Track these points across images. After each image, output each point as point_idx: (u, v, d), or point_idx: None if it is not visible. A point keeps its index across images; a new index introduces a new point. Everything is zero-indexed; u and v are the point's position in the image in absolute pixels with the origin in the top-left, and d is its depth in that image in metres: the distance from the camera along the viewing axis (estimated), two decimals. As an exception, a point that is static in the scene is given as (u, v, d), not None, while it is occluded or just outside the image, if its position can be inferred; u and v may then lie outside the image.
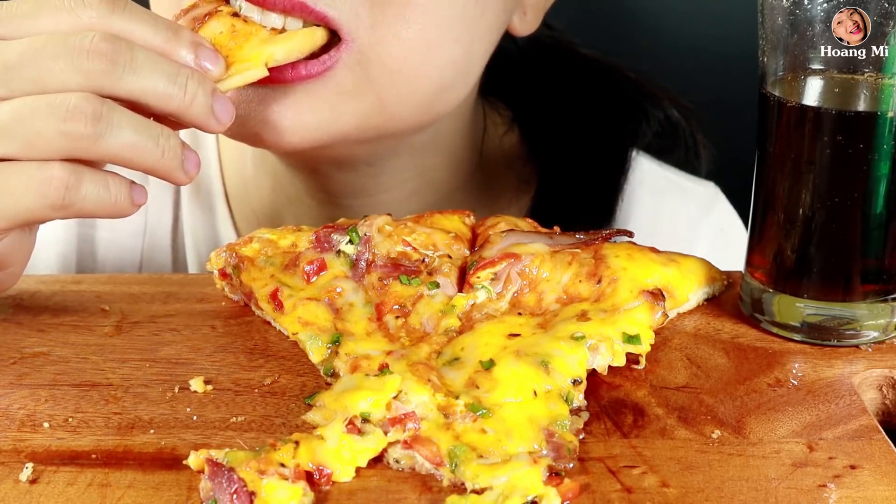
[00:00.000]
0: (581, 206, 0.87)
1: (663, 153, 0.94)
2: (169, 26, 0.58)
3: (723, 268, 0.66)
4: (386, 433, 0.49)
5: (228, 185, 0.89)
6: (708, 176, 0.97)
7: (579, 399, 0.53)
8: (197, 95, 0.57)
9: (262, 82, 0.62)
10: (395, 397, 0.51)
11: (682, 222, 0.93)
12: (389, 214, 0.65)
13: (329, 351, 0.57)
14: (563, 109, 0.91)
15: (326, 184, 0.81)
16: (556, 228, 0.66)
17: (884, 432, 0.51)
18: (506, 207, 0.88)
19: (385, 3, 0.65)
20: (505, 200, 0.89)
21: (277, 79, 0.64)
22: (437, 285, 0.60)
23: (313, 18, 0.64)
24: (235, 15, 0.62)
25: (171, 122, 0.58)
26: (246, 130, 0.67)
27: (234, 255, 0.64)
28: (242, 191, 0.88)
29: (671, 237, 0.89)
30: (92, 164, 0.55)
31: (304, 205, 0.84)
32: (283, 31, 0.63)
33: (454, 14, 0.67)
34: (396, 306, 0.59)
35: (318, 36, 0.64)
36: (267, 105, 0.66)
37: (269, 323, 0.62)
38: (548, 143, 0.90)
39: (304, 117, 0.67)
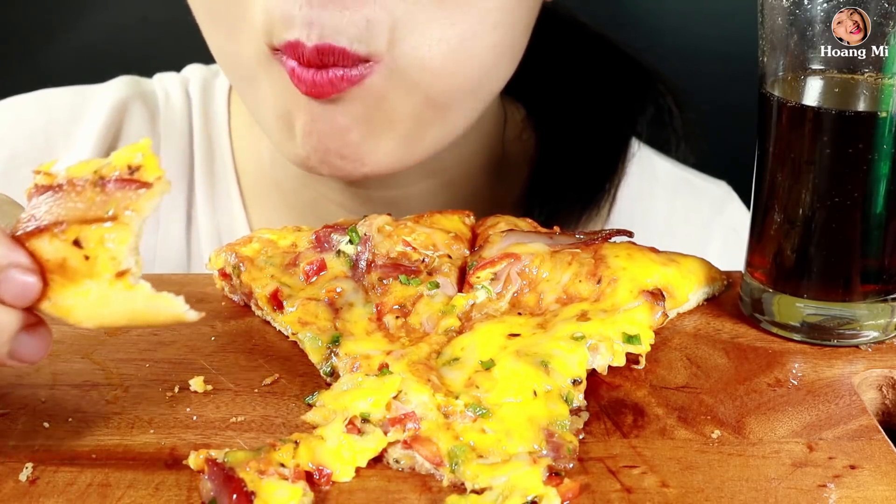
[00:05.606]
0: (577, 183, 0.88)
1: (653, 140, 0.94)
2: None
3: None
4: (386, 433, 0.49)
5: (242, 176, 0.89)
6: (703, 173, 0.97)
7: (579, 399, 0.53)
8: None
9: (308, 94, 0.65)
10: (395, 397, 0.51)
11: (695, 221, 0.93)
12: (390, 214, 0.65)
13: (329, 351, 0.57)
14: (567, 82, 0.91)
15: None
16: (556, 228, 0.66)
17: (884, 432, 0.51)
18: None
19: (407, 20, 0.65)
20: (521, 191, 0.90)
21: (321, 92, 0.65)
22: (437, 285, 0.60)
23: (350, 63, 0.65)
24: (77, 244, 0.46)
25: None
26: (329, 159, 0.69)
27: (234, 254, 0.64)
28: (262, 184, 0.88)
29: (685, 236, 0.90)
30: None
31: (329, 195, 0.84)
32: (125, 273, 0.46)
33: (489, 6, 0.67)
34: (396, 306, 0.59)
35: (161, 316, 0.47)
36: (332, 135, 0.68)
37: (269, 323, 0.62)
38: (549, 116, 0.90)
39: (365, 131, 0.68)
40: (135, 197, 0.46)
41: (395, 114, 0.69)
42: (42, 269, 0.46)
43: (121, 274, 0.46)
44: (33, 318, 0.47)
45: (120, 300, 0.46)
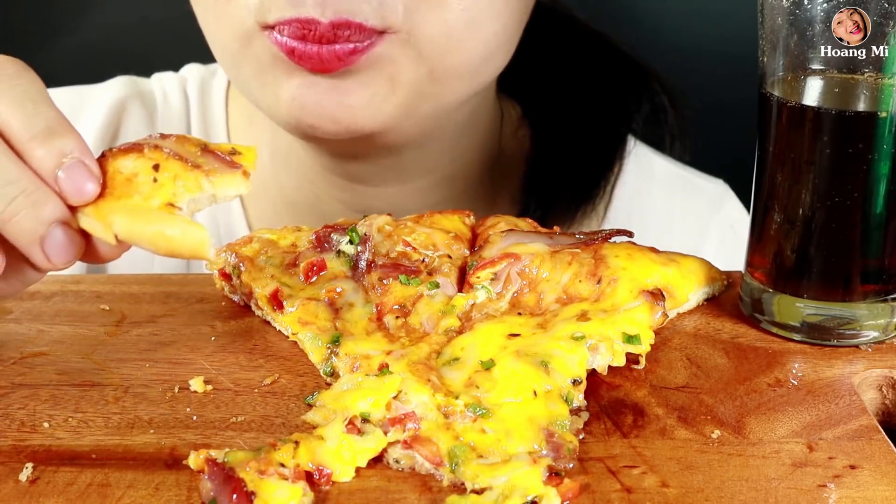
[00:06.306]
0: (572, 180, 0.88)
1: (648, 138, 0.94)
2: (47, 123, 0.50)
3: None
4: (386, 433, 0.49)
5: None
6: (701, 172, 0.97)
7: (579, 399, 0.53)
8: (19, 216, 0.49)
9: (315, 70, 0.66)
10: (395, 397, 0.51)
11: (692, 219, 0.93)
12: (390, 214, 0.65)
13: (329, 351, 0.57)
14: (562, 80, 0.91)
15: (354, 170, 0.82)
16: (556, 228, 0.66)
17: (884, 432, 0.51)
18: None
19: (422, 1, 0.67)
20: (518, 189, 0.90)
21: (328, 67, 0.66)
22: (437, 285, 0.60)
23: (364, 36, 0.66)
24: (156, 168, 0.51)
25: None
26: (321, 123, 0.69)
27: (234, 255, 0.64)
28: (261, 182, 0.88)
29: (682, 234, 0.90)
30: None
31: (328, 191, 0.85)
32: (174, 208, 0.51)
33: None
34: (396, 306, 0.59)
35: (186, 245, 0.51)
36: (329, 94, 0.68)
37: (269, 323, 0.62)
38: (544, 113, 0.91)
39: (367, 95, 0.69)
40: (220, 170, 0.52)
41: (397, 79, 0.69)
42: (104, 187, 0.51)
43: (170, 206, 0.51)
44: (75, 223, 0.51)
45: (158, 218, 0.50)
